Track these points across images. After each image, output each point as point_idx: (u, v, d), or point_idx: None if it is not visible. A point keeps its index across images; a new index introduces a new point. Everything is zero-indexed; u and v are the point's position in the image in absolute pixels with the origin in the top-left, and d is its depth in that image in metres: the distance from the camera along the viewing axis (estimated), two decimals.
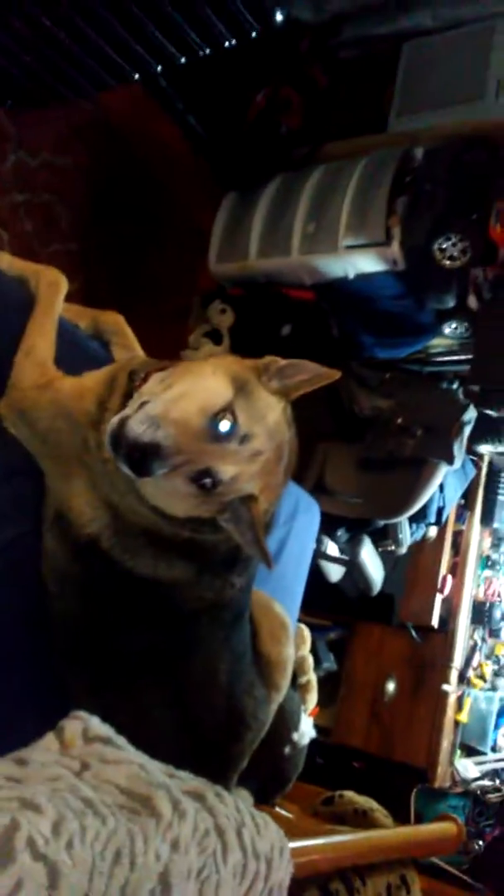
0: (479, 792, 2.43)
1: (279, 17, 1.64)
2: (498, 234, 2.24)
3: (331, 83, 2.49)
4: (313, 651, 1.92)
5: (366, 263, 2.26)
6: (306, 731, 1.67)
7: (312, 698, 1.86)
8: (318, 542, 1.99)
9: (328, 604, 2.25)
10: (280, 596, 1.69)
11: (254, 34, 1.66)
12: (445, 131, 2.35)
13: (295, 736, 1.62)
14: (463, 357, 2.32)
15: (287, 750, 1.60)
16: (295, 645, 1.76)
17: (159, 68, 1.84)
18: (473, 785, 2.40)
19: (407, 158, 2.32)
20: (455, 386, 2.33)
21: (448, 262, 2.22)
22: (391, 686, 2.30)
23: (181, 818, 0.87)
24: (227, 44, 1.68)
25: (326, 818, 1.80)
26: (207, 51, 1.68)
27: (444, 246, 2.21)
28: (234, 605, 1.16)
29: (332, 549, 2.07)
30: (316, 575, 1.94)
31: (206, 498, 0.93)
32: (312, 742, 1.71)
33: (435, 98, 2.39)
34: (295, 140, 2.45)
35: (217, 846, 0.93)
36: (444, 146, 2.32)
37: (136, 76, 1.87)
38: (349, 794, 2.08)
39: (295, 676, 1.73)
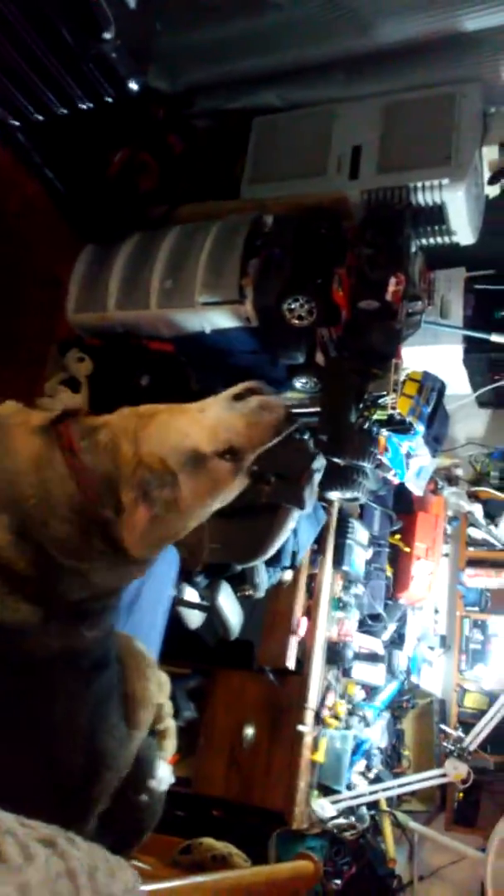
0: (335, 831, 2.48)
1: (134, 86, 1.74)
2: (340, 297, 2.43)
3: (186, 149, 2.63)
4: (173, 699, 1.92)
5: (221, 319, 2.38)
6: (164, 777, 1.66)
7: (171, 745, 1.86)
8: (177, 588, 2.02)
9: (187, 652, 2.26)
10: (148, 642, 1.69)
11: (108, 99, 1.74)
12: (292, 201, 2.54)
13: (152, 783, 1.61)
14: (312, 409, 2.46)
15: (144, 798, 1.58)
16: (163, 693, 1.76)
17: (16, 122, 1.88)
18: (330, 824, 2.45)
19: (258, 224, 2.48)
20: (306, 436, 2.46)
21: (296, 322, 2.38)
22: (250, 731, 2.33)
23: (29, 862, 0.86)
24: (82, 105, 1.75)
25: (186, 867, 1.79)
26: (63, 110, 1.75)
27: (292, 306, 2.37)
28: (90, 653, 1.17)
29: (190, 594, 2.10)
30: (175, 622, 1.96)
31: None
32: (171, 794, 1.71)
33: (282, 170, 2.59)
34: (151, 200, 2.55)
35: (69, 890, 0.92)
36: (291, 215, 2.51)
37: None
38: (207, 841, 2.08)
39: (153, 723, 1.73)
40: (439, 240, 2.80)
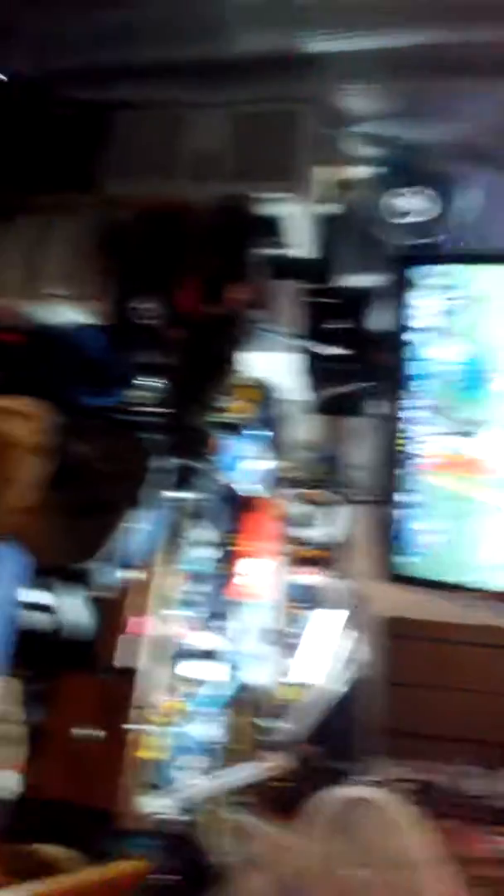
0: (164, 827, 2.51)
1: None
2: (186, 300, 2.47)
3: (41, 137, 2.54)
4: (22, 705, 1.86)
5: (73, 314, 2.33)
6: (6, 785, 1.62)
7: (16, 751, 1.80)
8: (22, 590, 1.95)
9: (32, 655, 2.18)
10: None
11: None
12: (144, 201, 2.54)
13: None
14: (154, 409, 2.48)
15: None
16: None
17: None
18: (159, 820, 2.48)
19: (112, 220, 2.45)
20: (147, 436, 2.47)
21: (145, 322, 2.39)
22: (86, 732, 2.29)
23: None
24: None
25: (17, 876, 1.74)
26: None
27: (141, 306, 2.37)
28: None
29: (35, 596, 2.05)
30: (21, 626, 1.90)
31: None
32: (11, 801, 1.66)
33: (137, 168, 2.58)
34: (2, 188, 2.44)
35: None
36: (142, 215, 2.50)
37: None
38: (37, 848, 2.04)
39: None
40: (278, 251, 2.92)
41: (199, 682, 2.79)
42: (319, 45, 2.58)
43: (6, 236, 2.31)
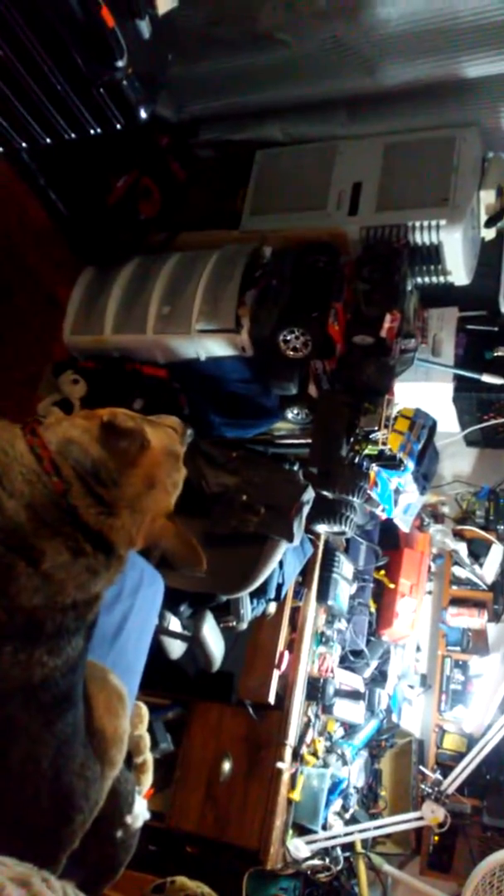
0: (309, 872, 2.43)
1: (143, 114, 1.75)
2: (335, 331, 2.45)
3: (188, 178, 2.66)
4: (150, 731, 1.89)
5: (216, 347, 2.38)
6: (140, 813, 1.62)
7: (147, 779, 1.82)
8: (160, 617, 1.99)
9: (167, 682, 2.23)
10: (121, 672, 1.66)
11: (118, 125, 1.75)
12: (291, 234, 2.56)
13: (128, 818, 1.57)
14: (303, 441, 2.47)
15: (119, 833, 1.54)
16: (132, 724, 1.73)
17: (24, 144, 1.89)
18: (304, 865, 2.40)
19: (256, 255, 2.49)
20: (296, 468, 2.45)
21: (291, 353, 2.39)
22: (227, 766, 2.28)
23: None
24: (91, 131, 1.76)
25: None
26: (73, 135, 1.76)
27: (287, 338, 2.38)
28: (52, 686, 1.09)
29: (174, 624, 2.08)
30: (155, 652, 1.93)
31: None
32: (144, 828, 1.66)
33: (283, 203, 2.62)
34: (152, 226, 2.57)
35: None
36: (290, 247, 2.53)
37: (0, 149, 1.91)
38: (181, 880, 2.03)
39: (130, 756, 1.69)
40: (434, 279, 2.83)
41: (347, 723, 2.70)
42: (478, 68, 2.49)
43: (154, 274, 2.42)
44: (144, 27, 1.58)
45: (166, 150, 2.55)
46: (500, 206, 2.87)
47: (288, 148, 2.73)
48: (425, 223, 2.59)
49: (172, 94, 2.35)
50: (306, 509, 2.19)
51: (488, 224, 2.90)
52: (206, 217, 2.69)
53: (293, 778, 2.39)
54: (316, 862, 2.45)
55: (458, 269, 2.77)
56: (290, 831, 2.37)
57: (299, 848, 2.38)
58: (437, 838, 2.85)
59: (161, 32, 1.70)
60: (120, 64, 1.55)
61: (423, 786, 2.76)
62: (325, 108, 2.70)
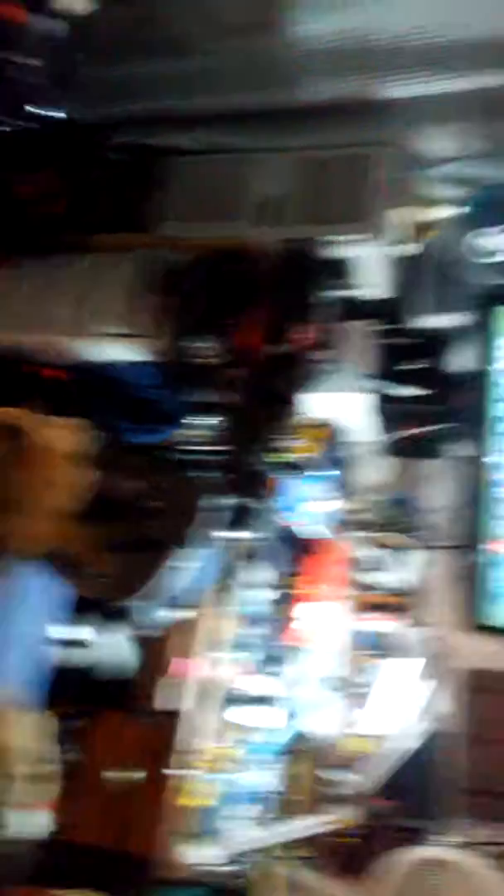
0: (214, 879, 2.44)
1: (54, 114, 1.75)
2: (249, 340, 2.48)
3: (103, 181, 2.65)
4: (52, 741, 1.87)
5: (127, 352, 2.39)
6: (39, 824, 1.61)
7: (48, 790, 1.80)
8: (62, 625, 1.97)
9: (67, 692, 2.20)
10: (9, 682, 1.64)
11: (27, 125, 1.74)
12: (207, 242, 2.58)
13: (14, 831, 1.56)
14: (213, 447, 2.48)
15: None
16: (29, 735, 1.71)
17: None
18: (209, 872, 2.41)
19: (172, 261, 2.50)
20: (205, 474, 2.47)
21: (205, 361, 2.41)
22: (128, 775, 2.27)
23: None
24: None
25: None
26: None
27: (202, 345, 2.40)
28: None
29: (75, 632, 2.06)
30: (56, 661, 1.92)
31: None
32: (42, 841, 1.65)
33: (200, 210, 2.63)
34: (62, 226, 2.56)
35: None
36: (205, 255, 2.55)
37: None
38: (68, 893, 2.01)
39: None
40: (351, 293, 2.90)
41: (253, 729, 2.72)
42: (397, 89, 2.57)
43: (62, 272, 2.41)
44: (56, 26, 1.58)
45: (80, 151, 2.54)
46: (416, 223, 2.97)
47: (206, 156, 2.75)
48: (340, 238, 2.65)
49: (87, 94, 2.35)
50: (211, 515, 2.21)
51: (403, 241, 3.00)
52: (119, 220, 2.69)
53: (199, 785, 2.39)
54: (223, 869, 2.46)
55: (373, 284, 2.84)
56: (194, 838, 2.37)
57: (205, 856, 2.39)
58: (348, 841, 2.89)
59: (74, 32, 1.70)
60: (33, 63, 1.55)
61: (333, 788, 2.81)
62: (244, 118, 2.73)
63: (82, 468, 1.36)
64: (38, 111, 1.71)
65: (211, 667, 2.49)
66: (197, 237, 2.59)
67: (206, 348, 2.37)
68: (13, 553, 1.16)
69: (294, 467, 2.50)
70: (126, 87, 2.49)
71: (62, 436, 1.34)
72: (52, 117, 1.75)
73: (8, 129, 1.80)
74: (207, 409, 2.40)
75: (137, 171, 2.65)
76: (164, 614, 2.25)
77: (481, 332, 3.10)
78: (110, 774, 2.17)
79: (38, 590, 1.72)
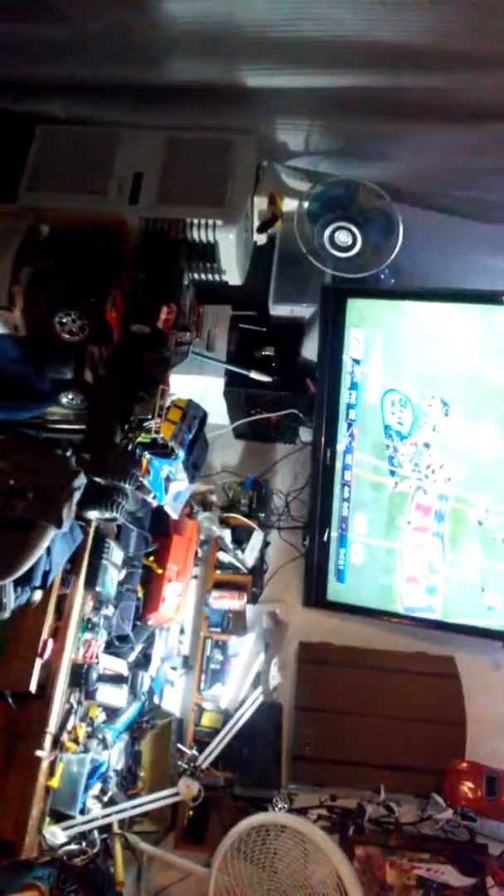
0: (65, 858, 2.43)
1: None
2: (112, 318, 2.45)
3: None
4: None
5: None
6: None
7: None
8: None
9: None
10: None
11: None
12: (71, 215, 2.52)
13: None
14: (77, 426, 2.44)
15: None
16: None
17: None
18: (60, 851, 2.39)
19: (33, 231, 2.42)
20: (69, 453, 2.42)
21: (67, 336, 2.36)
22: None
23: None
24: None
25: None
26: None
27: (63, 320, 2.34)
28: None
29: None
30: None
31: None
32: None
33: (64, 182, 2.57)
34: None
35: None
36: (69, 228, 2.48)
37: None
38: None
39: None
40: (210, 276, 2.95)
41: (109, 707, 2.72)
42: (259, 79, 2.63)
43: None
44: None
45: None
46: (272, 214, 3.06)
47: (71, 127, 2.68)
48: (202, 221, 2.69)
49: None
50: (77, 495, 2.18)
51: (260, 229, 3.08)
52: None
53: (52, 765, 2.36)
54: (72, 847, 2.45)
55: (231, 270, 2.90)
56: (48, 819, 2.35)
57: (56, 834, 2.37)
58: (191, 812, 2.97)
59: None
60: None
61: (180, 763, 2.87)
62: (111, 92, 2.68)
63: None
64: None
65: (72, 647, 2.46)
66: (62, 209, 2.51)
67: (70, 324, 2.32)
68: None
69: (158, 447, 2.51)
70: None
71: None
72: None
73: None
74: (72, 386, 2.35)
75: (3, 138, 2.53)
76: (27, 595, 2.20)
77: (333, 321, 3.25)
78: None
79: None
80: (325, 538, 3.20)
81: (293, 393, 3.30)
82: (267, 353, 3.32)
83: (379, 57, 2.35)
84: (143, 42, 2.49)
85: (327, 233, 2.99)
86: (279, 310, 3.35)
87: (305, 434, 3.54)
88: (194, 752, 2.91)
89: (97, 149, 2.67)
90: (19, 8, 2.29)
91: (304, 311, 3.35)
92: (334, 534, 3.19)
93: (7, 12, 2.26)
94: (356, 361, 3.23)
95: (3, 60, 2.45)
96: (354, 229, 2.92)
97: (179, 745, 3.01)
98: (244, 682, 3.07)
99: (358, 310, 3.25)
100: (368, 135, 2.79)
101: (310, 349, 3.36)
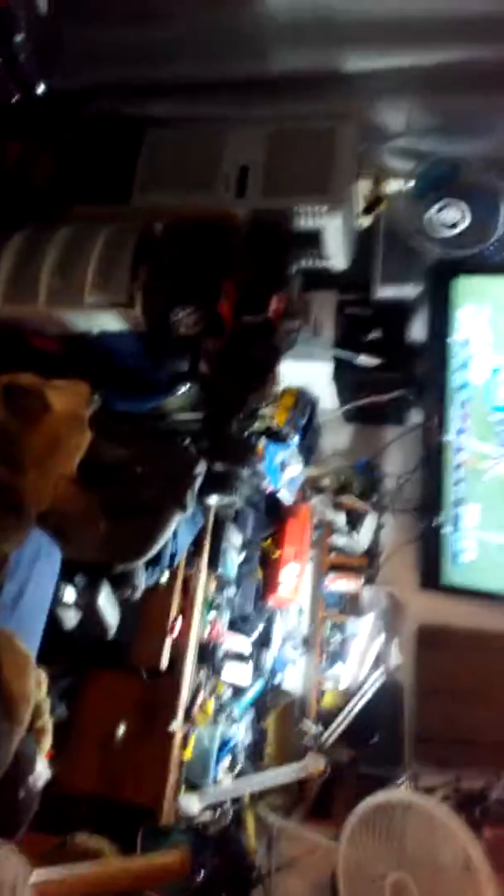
0: (200, 826, 2.56)
1: (41, 87, 1.76)
2: (225, 309, 2.54)
3: (81, 150, 2.65)
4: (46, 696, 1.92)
5: (108, 322, 2.41)
6: (42, 773, 1.68)
7: (47, 741, 1.86)
8: (56, 588, 2.02)
9: (60, 651, 2.25)
10: (21, 639, 1.69)
11: (15, 98, 1.75)
12: (183, 212, 2.62)
13: (30, 779, 1.62)
14: (194, 416, 2.55)
15: (22, 794, 1.60)
16: (39, 687, 1.76)
17: None
18: (196, 819, 2.52)
19: (149, 231, 2.53)
20: (187, 441, 2.54)
21: (183, 330, 2.46)
22: (121, 729, 2.35)
23: None
24: None
25: (60, 862, 1.80)
26: None
27: (179, 315, 2.45)
28: None
29: (69, 594, 2.11)
30: (49, 622, 1.96)
31: None
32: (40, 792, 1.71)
33: (174, 180, 2.67)
34: (44, 196, 2.55)
35: None
36: (182, 225, 2.58)
37: None
38: (81, 836, 2.09)
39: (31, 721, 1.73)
40: (316, 263, 2.98)
41: (235, 685, 2.83)
42: (357, 63, 2.64)
43: (46, 245, 2.41)
44: (41, 4, 1.59)
45: (58, 121, 2.53)
46: (375, 196, 3.06)
47: (178, 127, 2.78)
48: (307, 209, 2.72)
49: (67, 64, 2.34)
50: (199, 481, 2.28)
51: (365, 212, 3.09)
52: (98, 190, 2.70)
53: (185, 738, 2.49)
54: (207, 816, 2.58)
55: (337, 255, 2.93)
56: (183, 788, 2.48)
57: (191, 803, 2.50)
58: (318, 787, 3.04)
59: (58, 8, 1.71)
60: (17, 39, 1.56)
61: (305, 739, 2.95)
62: (215, 89, 2.76)
63: (84, 430, 1.41)
64: (27, 87, 1.71)
65: (198, 626, 2.58)
66: (174, 206, 2.62)
67: (185, 318, 2.42)
68: (26, 510, 1.22)
69: (272, 434, 2.58)
70: (103, 55, 2.49)
71: (70, 398, 1.38)
72: (39, 91, 1.75)
73: None
74: (188, 378, 2.45)
75: (117, 141, 2.66)
76: (156, 576, 2.33)
77: (440, 302, 3.22)
78: (109, 730, 2.24)
79: (40, 555, 1.76)
80: (440, 520, 3.18)
81: (402, 374, 3.29)
82: (374, 335, 3.31)
83: (482, 29, 2.31)
84: (244, 37, 2.56)
85: (433, 211, 2.95)
86: (385, 292, 3.33)
87: (416, 415, 3.51)
88: (319, 728, 2.98)
89: (203, 146, 2.75)
90: (124, 13, 2.39)
91: (410, 291, 3.32)
92: (450, 515, 3.16)
93: (113, 18, 2.37)
94: (465, 340, 3.19)
95: (111, 65, 2.57)
96: (462, 205, 2.87)
97: (304, 722, 3.09)
98: (364, 662, 3.11)
99: (466, 287, 3.20)
100: (471, 110, 2.75)
101: (418, 330, 3.33)
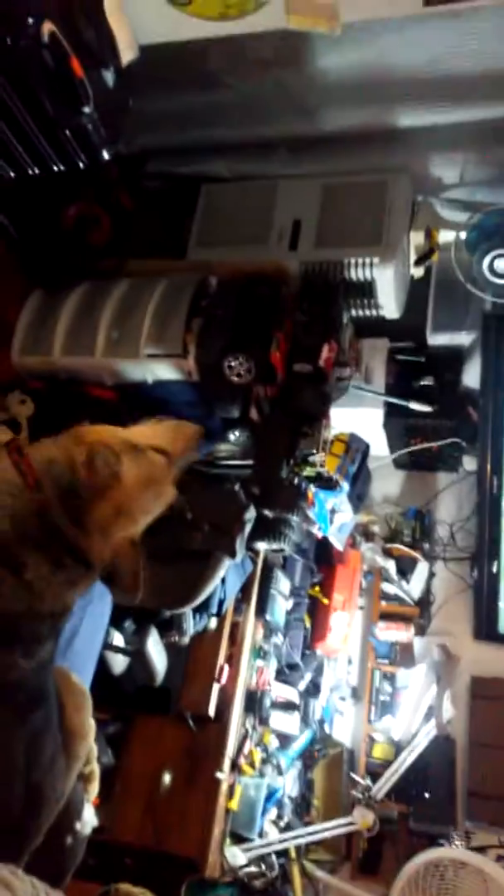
0: (246, 879, 2.52)
1: (106, 155, 1.85)
2: (277, 359, 2.58)
3: (137, 208, 2.76)
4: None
5: (163, 371, 2.49)
6: (89, 820, 1.69)
7: (94, 788, 1.87)
8: (105, 632, 2.05)
9: (107, 697, 2.27)
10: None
11: (81, 165, 1.85)
12: (236, 266, 2.70)
13: (78, 825, 1.63)
14: (244, 462, 2.58)
15: (69, 840, 1.60)
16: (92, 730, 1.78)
17: None
18: (241, 872, 2.48)
19: (203, 284, 2.61)
20: (237, 487, 2.57)
21: (235, 379, 2.51)
22: (167, 778, 2.35)
23: None
24: (55, 167, 1.85)
25: None
26: (37, 171, 1.85)
27: (232, 364, 2.50)
28: (25, 684, 1.19)
29: (117, 639, 2.14)
30: (97, 667, 1.99)
31: None
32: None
33: (228, 235, 2.75)
34: (102, 253, 2.66)
35: None
36: (234, 278, 2.66)
37: None
38: (125, 887, 2.08)
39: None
40: (367, 312, 3.01)
41: (282, 734, 2.80)
42: (409, 119, 2.69)
43: (104, 299, 2.52)
44: (109, 76, 1.69)
45: (116, 181, 2.65)
46: (428, 247, 3.09)
47: (232, 183, 2.88)
48: (360, 260, 2.76)
49: (128, 128, 2.46)
50: (248, 527, 2.30)
51: (417, 263, 3.11)
52: (154, 246, 2.80)
53: (231, 788, 2.47)
54: (252, 869, 2.54)
55: (389, 304, 2.95)
56: (228, 840, 2.45)
57: (236, 855, 2.46)
58: (366, 843, 2.97)
59: (123, 80, 1.81)
60: (86, 110, 1.65)
61: (353, 792, 2.89)
62: (268, 147, 2.85)
63: (157, 496, 1.43)
64: (92, 154, 1.81)
65: (246, 673, 2.58)
66: (227, 260, 2.69)
67: (237, 367, 2.47)
68: (94, 565, 1.26)
69: (323, 480, 2.59)
70: (160, 119, 2.61)
71: (147, 465, 1.40)
72: (104, 158, 1.86)
73: (63, 168, 1.89)
74: (240, 425, 2.50)
75: (172, 199, 2.77)
76: (205, 622, 2.34)
77: (494, 349, 3.21)
78: (154, 778, 2.24)
79: (94, 598, 1.80)
80: (495, 569, 3.12)
81: (455, 421, 3.28)
82: (426, 382, 3.32)
83: None
84: (298, 97, 2.64)
85: (486, 261, 2.96)
86: (438, 339, 3.34)
87: (469, 463, 3.48)
88: (368, 782, 2.92)
89: (257, 201, 2.83)
90: (184, 80, 2.51)
91: (463, 338, 3.32)
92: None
93: (174, 86, 2.49)
94: None
95: (171, 128, 2.69)
96: None
97: (352, 775, 3.03)
98: (416, 714, 3.04)
99: None
100: None
101: (471, 376, 3.32)
